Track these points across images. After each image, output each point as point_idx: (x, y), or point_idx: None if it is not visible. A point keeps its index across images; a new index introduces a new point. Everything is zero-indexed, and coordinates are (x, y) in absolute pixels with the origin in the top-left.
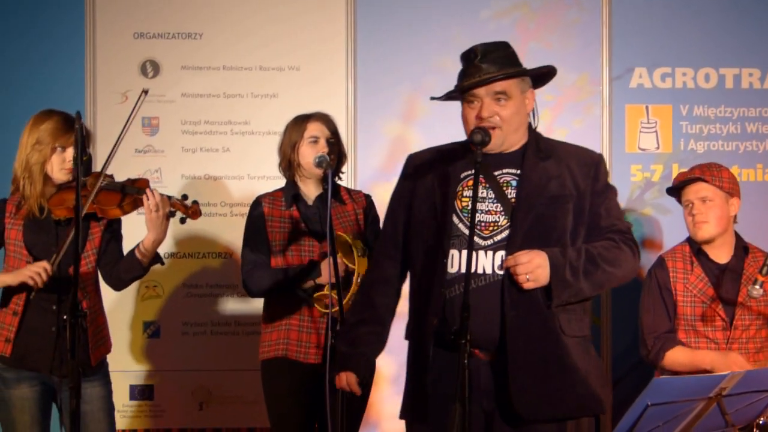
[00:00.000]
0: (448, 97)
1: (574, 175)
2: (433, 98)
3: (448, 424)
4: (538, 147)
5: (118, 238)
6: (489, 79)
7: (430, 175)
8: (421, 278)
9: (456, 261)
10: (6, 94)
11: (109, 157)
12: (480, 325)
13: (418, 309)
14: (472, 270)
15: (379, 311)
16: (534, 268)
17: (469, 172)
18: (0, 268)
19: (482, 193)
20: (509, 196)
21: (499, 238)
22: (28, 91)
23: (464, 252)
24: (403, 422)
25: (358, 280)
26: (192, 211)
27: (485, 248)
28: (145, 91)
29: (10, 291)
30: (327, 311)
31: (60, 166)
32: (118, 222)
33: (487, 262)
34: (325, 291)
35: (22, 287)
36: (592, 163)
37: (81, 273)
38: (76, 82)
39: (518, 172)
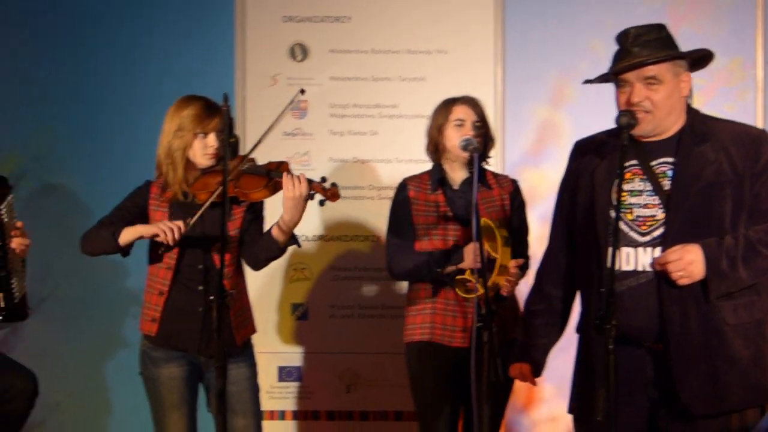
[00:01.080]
0: (602, 80)
1: (732, 158)
2: (586, 81)
3: (594, 409)
4: (693, 131)
5: (260, 218)
6: (639, 64)
7: (591, 164)
8: (583, 274)
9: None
10: (157, 79)
11: (257, 143)
12: (641, 322)
13: (583, 304)
14: (632, 268)
15: (552, 303)
16: (685, 265)
17: (628, 163)
18: (146, 252)
19: (640, 185)
20: (665, 188)
21: (657, 234)
22: (178, 75)
23: (623, 249)
24: (550, 409)
25: (500, 269)
26: (330, 193)
27: (644, 245)
28: (302, 90)
29: (156, 270)
30: (468, 296)
31: (203, 151)
32: (261, 202)
33: (646, 259)
34: (467, 275)
35: (162, 266)
36: (751, 142)
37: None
38: (225, 66)
39: (674, 160)
